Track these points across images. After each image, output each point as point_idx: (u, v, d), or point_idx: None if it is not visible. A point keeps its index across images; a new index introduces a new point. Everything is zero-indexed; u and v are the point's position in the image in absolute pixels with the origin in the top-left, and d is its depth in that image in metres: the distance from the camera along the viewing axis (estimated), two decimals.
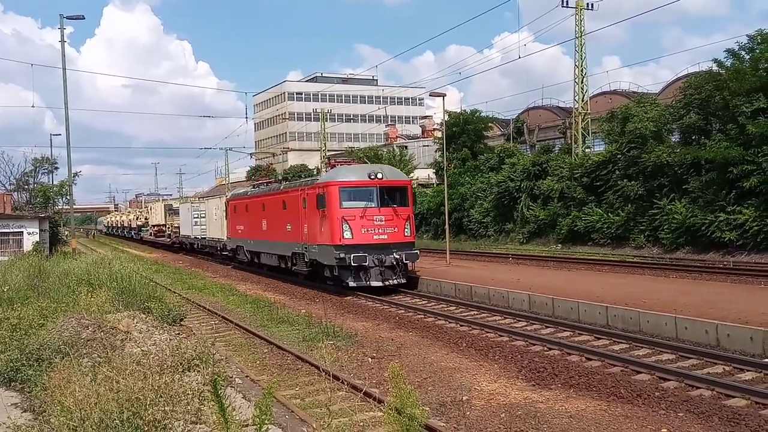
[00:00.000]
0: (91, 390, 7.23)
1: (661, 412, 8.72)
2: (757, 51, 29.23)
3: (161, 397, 7.00)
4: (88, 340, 10.79)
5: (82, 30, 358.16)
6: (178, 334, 13.60)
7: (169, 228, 56.67)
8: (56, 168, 55.00)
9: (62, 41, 35.39)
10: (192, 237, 44.43)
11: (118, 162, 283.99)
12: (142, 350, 10.04)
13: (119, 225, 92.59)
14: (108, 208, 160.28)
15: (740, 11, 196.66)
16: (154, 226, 62.52)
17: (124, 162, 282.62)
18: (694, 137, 31.32)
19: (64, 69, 35.26)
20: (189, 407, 7.26)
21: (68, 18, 35.45)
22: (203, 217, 42.42)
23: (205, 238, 41.51)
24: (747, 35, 30.47)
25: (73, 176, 40.59)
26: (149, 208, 67.42)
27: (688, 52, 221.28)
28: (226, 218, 34.44)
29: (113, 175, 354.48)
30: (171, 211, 58.43)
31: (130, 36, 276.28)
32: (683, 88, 33.33)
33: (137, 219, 76.35)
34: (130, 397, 6.90)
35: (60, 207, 54.35)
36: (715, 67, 31.68)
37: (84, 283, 16.72)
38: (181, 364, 9.54)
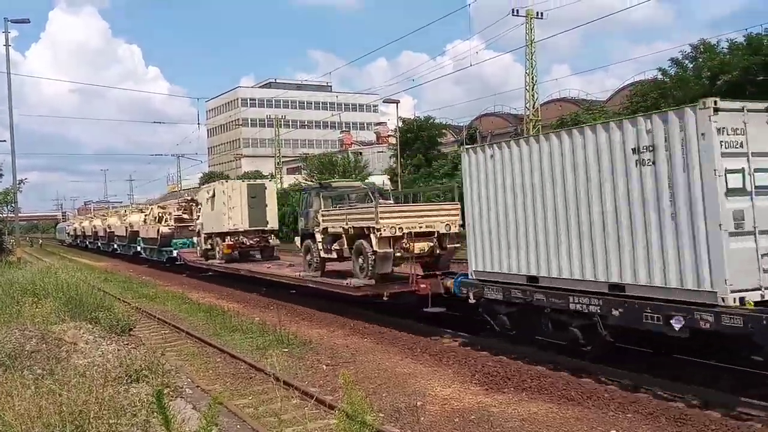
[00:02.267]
0: (32, 403, 7.02)
1: (610, 413, 8.86)
2: (700, 60, 30.17)
3: (106, 409, 6.83)
4: (32, 352, 10.47)
5: (27, 34, 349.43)
6: (127, 344, 13.29)
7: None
8: (0, 175, 53.22)
9: (7, 45, 34.50)
10: None
11: (66, 169, 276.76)
12: (88, 362, 9.78)
13: (102, 233, 54.78)
14: (55, 215, 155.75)
15: (684, 20, 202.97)
16: (224, 236, 27.36)
17: (72, 169, 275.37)
18: None
19: (9, 73, 34.35)
20: (136, 419, 7.10)
21: (13, 21, 34.59)
22: None
23: None
24: (690, 44, 31.47)
25: (19, 183, 39.39)
26: (205, 193, 30.11)
27: (634, 61, 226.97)
28: None
29: (60, 183, 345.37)
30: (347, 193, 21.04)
31: (76, 40, 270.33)
32: (629, 95, 34.21)
33: (155, 222, 38.50)
34: (73, 410, 6.72)
35: (4, 215, 52.67)
36: (659, 76, 32.59)
37: (29, 293, 16.25)
38: (128, 375, 9.32)
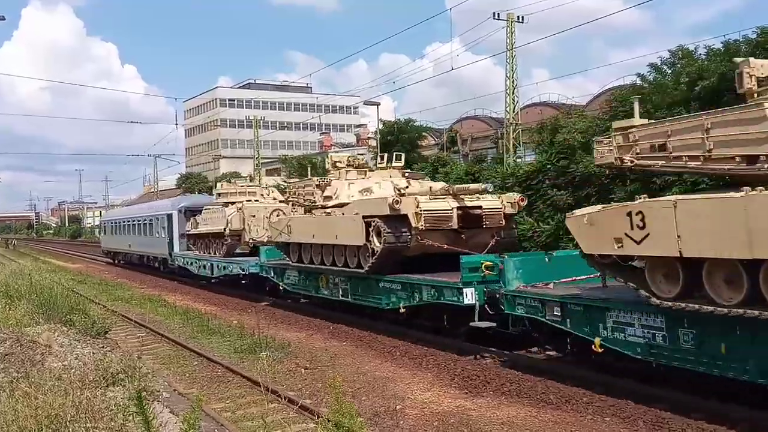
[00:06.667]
0: (8, 407, 6.92)
1: (588, 417, 8.91)
2: (678, 66, 30.50)
3: (83, 413, 6.73)
4: (6, 355, 10.33)
5: None
6: (103, 347, 13.12)
7: None
8: None
9: None
10: None
11: (40, 169, 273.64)
12: (64, 365, 9.64)
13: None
14: (28, 216, 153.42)
15: (663, 26, 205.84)
16: None
17: (47, 169, 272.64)
18: None
19: None
20: (113, 423, 7.00)
21: None
22: None
23: None
24: (669, 50, 31.79)
25: None
26: None
27: (613, 66, 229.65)
28: None
29: (34, 183, 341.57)
30: None
31: (50, 38, 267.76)
32: (609, 100, 34.45)
33: None
34: (49, 413, 6.63)
35: None
36: (638, 81, 32.91)
37: (2, 295, 16.02)
38: (104, 378, 9.20)
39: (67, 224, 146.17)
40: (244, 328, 15.97)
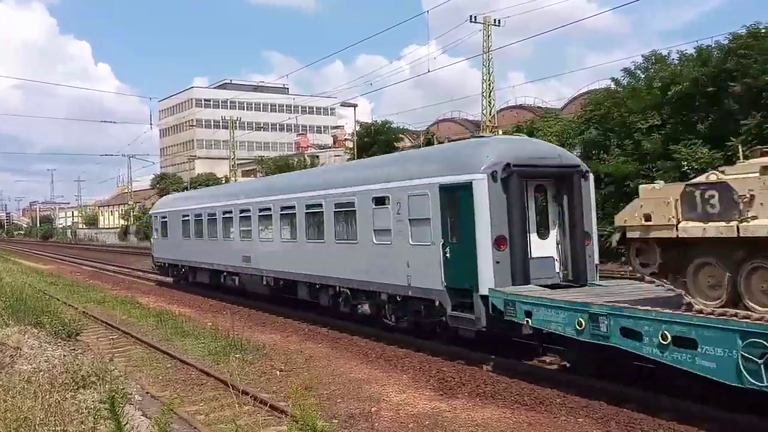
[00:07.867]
0: None
1: (561, 418, 8.97)
2: (652, 71, 30.93)
3: (52, 416, 6.63)
4: None
5: None
6: (74, 350, 12.94)
7: None
8: None
9: None
10: None
11: (12, 168, 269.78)
12: (33, 367, 9.49)
13: None
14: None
15: (640, 30, 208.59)
16: None
17: (18, 168, 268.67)
18: (594, 152, 32.67)
19: None
20: (83, 426, 6.90)
21: None
22: None
23: None
24: (642, 55, 32.23)
25: None
26: None
27: (589, 69, 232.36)
28: None
29: (5, 182, 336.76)
30: None
31: (23, 36, 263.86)
32: (584, 104, 34.84)
33: None
34: (18, 416, 6.53)
35: None
36: (613, 86, 33.30)
37: None
38: (75, 381, 9.07)
39: (38, 225, 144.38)
40: (218, 330, 15.84)
